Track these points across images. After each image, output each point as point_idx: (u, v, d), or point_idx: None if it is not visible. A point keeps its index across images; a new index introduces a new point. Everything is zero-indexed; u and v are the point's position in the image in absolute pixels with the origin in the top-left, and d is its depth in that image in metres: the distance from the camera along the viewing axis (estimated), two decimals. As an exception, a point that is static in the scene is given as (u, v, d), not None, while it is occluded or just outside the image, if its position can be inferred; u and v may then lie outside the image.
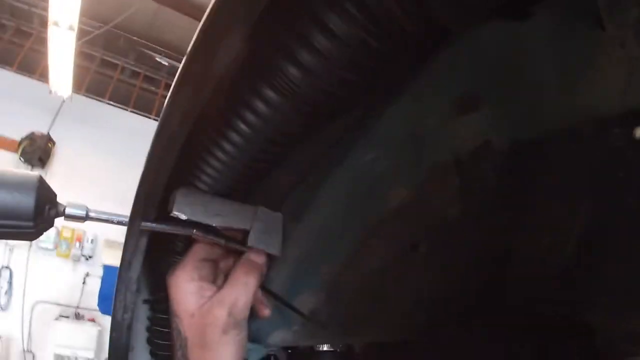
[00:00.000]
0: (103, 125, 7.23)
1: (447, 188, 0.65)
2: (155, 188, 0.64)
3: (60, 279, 6.77)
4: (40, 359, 6.34)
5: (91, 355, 6.07)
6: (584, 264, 0.81)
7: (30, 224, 0.54)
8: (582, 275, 0.83)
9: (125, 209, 0.67)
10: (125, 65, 8.30)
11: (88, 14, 6.85)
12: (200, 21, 0.44)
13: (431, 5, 0.44)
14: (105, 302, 5.84)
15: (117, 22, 6.98)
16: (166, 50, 7.87)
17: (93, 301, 6.51)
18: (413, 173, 0.62)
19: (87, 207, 0.62)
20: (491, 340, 1.16)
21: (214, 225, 0.66)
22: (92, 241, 6.94)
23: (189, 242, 0.74)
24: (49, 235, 6.69)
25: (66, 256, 6.83)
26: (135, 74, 8.23)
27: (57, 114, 7.15)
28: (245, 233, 0.69)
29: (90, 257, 6.93)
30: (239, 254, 0.71)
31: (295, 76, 0.53)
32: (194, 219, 0.65)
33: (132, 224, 0.64)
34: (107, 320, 6.10)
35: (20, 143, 6.61)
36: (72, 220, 0.61)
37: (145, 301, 0.94)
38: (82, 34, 6.37)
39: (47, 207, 0.57)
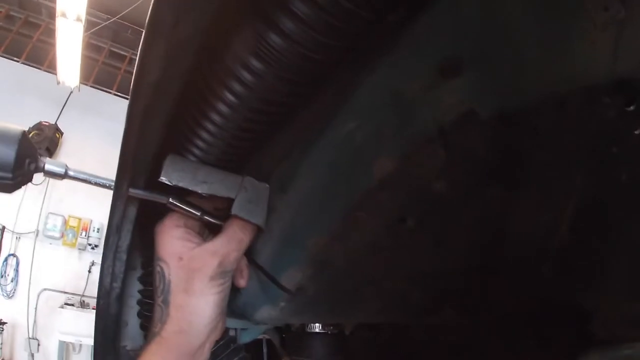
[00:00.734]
0: (110, 116, 7.26)
1: (432, 159, 0.64)
2: (142, 154, 0.65)
3: (66, 268, 6.85)
4: (45, 345, 6.42)
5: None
6: (579, 245, 0.79)
7: (9, 175, 0.55)
8: (577, 257, 0.82)
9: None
10: (133, 57, 8.33)
11: (96, 6, 6.90)
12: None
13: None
14: (110, 291, 5.89)
15: (124, 14, 7.00)
16: (173, 43, 7.89)
17: (98, 290, 6.58)
18: (396, 143, 0.61)
19: (66, 165, 0.63)
20: (485, 322, 1.16)
21: (200, 192, 0.67)
22: (98, 230, 7.01)
23: None
24: (55, 224, 6.77)
25: (72, 245, 6.91)
26: (142, 66, 8.26)
27: (64, 104, 7.21)
28: (230, 204, 0.69)
29: (96, 246, 7.00)
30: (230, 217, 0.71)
31: (277, 43, 0.53)
32: (181, 185, 0.65)
33: (119, 187, 0.65)
34: (111, 310, 6.17)
35: (28, 133, 6.67)
36: (51, 177, 0.62)
37: (140, 277, 0.95)
38: (90, 25, 6.41)
39: (27, 161, 0.58)
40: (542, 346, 1.14)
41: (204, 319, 0.66)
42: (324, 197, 0.70)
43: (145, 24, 0.48)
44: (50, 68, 7.14)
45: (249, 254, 0.76)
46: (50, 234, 6.77)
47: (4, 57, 7.38)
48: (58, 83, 6.49)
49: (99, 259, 6.87)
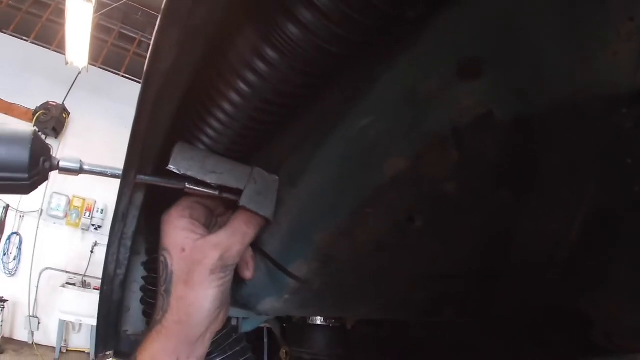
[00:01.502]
0: (118, 98, 7.27)
1: (445, 160, 0.63)
2: (151, 140, 0.64)
3: (69, 247, 6.91)
4: (45, 324, 6.50)
5: (95, 323, 6.19)
6: (587, 254, 0.79)
7: (25, 175, 0.55)
8: (584, 266, 0.81)
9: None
10: (143, 39, 8.31)
11: (107, -14, 6.85)
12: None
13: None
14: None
15: (135, -4, 6.97)
16: (184, 27, 7.86)
17: (100, 270, 6.59)
18: (410, 141, 0.60)
19: (81, 160, 0.62)
20: (485, 322, 1.15)
21: (208, 182, 0.66)
22: (102, 211, 7.05)
23: None
24: (59, 203, 6.82)
25: (76, 225, 6.96)
26: (152, 49, 8.22)
27: (72, 85, 7.21)
28: (240, 192, 0.68)
29: (99, 227, 7.05)
30: (237, 209, 0.71)
31: (293, 33, 0.52)
32: (190, 174, 0.65)
33: (127, 174, 0.64)
34: (112, 291, 6.22)
35: (35, 112, 6.68)
36: (67, 174, 0.62)
37: (144, 263, 0.95)
38: (100, 6, 6.39)
39: (41, 160, 0.58)
40: (542, 349, 1.14)
41: (202, 312, 0.67)
42: (333, 192, 0.69)
43: (161, 9, 0.47)
44: (59, 48, 7.13)
45: (256, 244, 0.75)
46: (54, 213, 6.81)
47: (13, 36, 7.38)
48: (66, 63, 6.49)
49: (101, 240, 6.96)
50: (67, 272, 6.78)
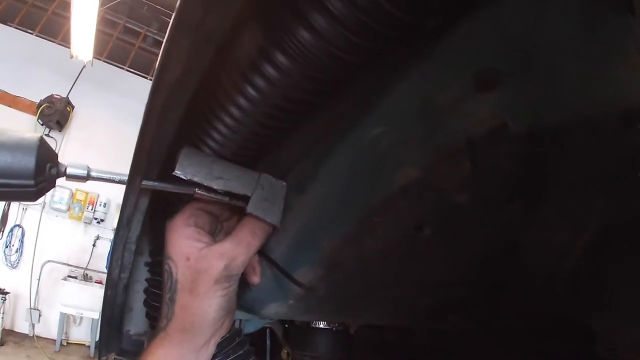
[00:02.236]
0: (122, 92, 7.27)
1: (457, 171, 0.62)
2: (157, 146, 0.63)
3: (71, 241, 6.93)
4: (46, 316, 6.52)
5: (96, 316, 6.23)
6: (593, 267, 0.78)
7: (31, 182, 0.54)
8: (589, 279, 0.80)
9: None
10: (148, 34, 8.30)
11: (113, -20, 6.84)
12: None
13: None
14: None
15: (141, -10, 6.96)
16: (189, 22, 7.87)
17: (102, 264, 6.65)
18: (422, 152, 0.60)
19: (88, 167, 0.62)
20: (491, 335, 1.15)
21: (215, 188, 0.65)
22: (104, 205, 7.06)
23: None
24: (62, 197, 6.83)
25: (78, 218, 6.97)
26: (157, 43, 8.24)
27: (77, 78, 7.20)
28: (247, 199, 0.67)
29: (102, 220, 7.07)
30: (243, 216, 0.70)
31: (305, 39, 0.51)
32: (196, 179, 0.64)
33: (132, 181, 0.63)
34: (113, 285, 6.24)
35: (39, 105, 6.69)
36: (74, 180, 0.61)
37: (147, 264, 0.94)
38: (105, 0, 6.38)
39: (48, 166, 0.57)
40: (544, 358, 1.14)
41: (206, 320, 0.66)
42: (342, 199, 0.68)
43: (172, 19, 0.46)
44: (64, 41, 7.13)
45: (262, 249, 0.75)
46: (57, 206, 6.83)
47: (18, 29, 7.38)
48: (71, 57, 6.48)
49: (104, 233, 6.97)
50: (68, 265, 6.80)
